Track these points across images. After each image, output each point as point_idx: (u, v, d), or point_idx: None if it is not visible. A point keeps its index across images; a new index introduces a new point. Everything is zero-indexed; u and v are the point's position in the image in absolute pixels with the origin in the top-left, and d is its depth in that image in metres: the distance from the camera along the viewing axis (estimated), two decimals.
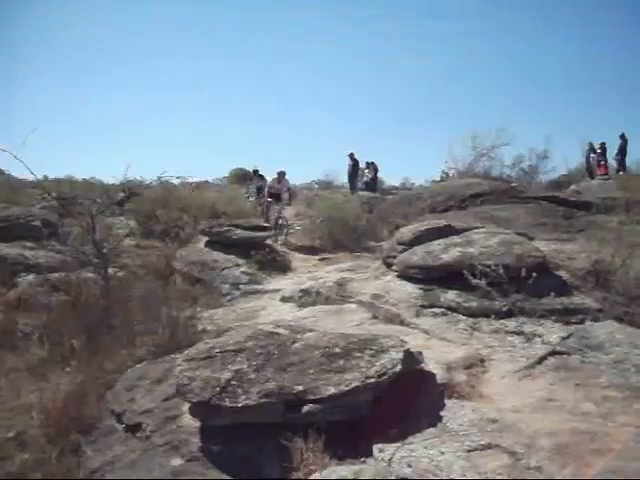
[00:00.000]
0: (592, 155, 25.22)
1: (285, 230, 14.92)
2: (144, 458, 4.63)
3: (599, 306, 6.81)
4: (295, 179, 27.30)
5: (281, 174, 16.35)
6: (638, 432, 4.16)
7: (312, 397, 4.39)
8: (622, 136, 25.57)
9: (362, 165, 26.28)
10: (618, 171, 24.86)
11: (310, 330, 5.66)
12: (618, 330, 6.05)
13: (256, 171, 21.13)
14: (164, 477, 4.34)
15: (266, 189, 16.80)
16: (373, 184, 26.29)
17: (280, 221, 15.18)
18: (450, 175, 22.76)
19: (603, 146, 25.36)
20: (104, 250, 9.17)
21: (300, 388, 4.46)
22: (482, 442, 4.06)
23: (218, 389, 4.52)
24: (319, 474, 3.74)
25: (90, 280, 8.99)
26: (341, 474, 3.64)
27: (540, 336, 6.16)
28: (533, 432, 4.17)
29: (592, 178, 23.54)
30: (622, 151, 25.71)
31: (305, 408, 4.35)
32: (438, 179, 23.66)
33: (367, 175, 26.31)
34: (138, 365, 6.22)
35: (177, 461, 4.48)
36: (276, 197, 16.17)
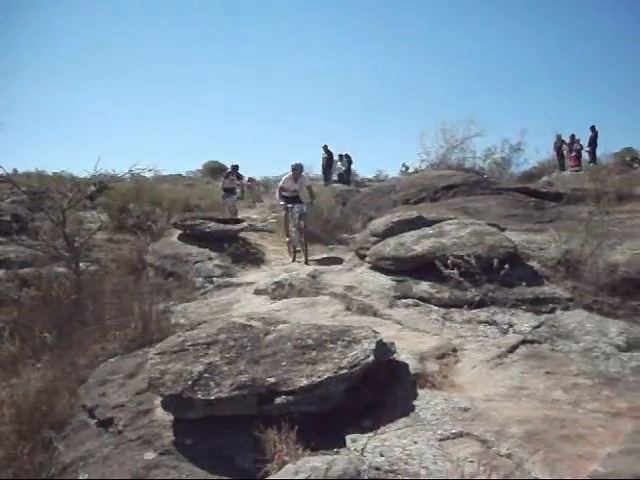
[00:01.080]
0: (564, 147, 25.56)
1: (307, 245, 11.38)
2: (116, 453, 4.59)
3: (569, 295, 6.89)
4: (270, 172, 27.20)
5: (298, 169, 11.92)
6: (606, 418, 4.24)
7: (285, 389, 4.39)
8: (592, 128, 25.93)
9: (336, 157, 26.32)
10: (589, 162, 25.19)
11: (283, 322, 5.68)
12: (587, 319, 6.15)
13: (235, 167, 17.74)
14: (137, 471, 4.31)
15: (277, 192, 12.30)
16: (347, 176, 26.36)
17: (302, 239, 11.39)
18: (409, 169, 22.99)
19: (573, 138, 25.69)
20: (75, 244, 9.11)
21: (273, 380, 4.47)
22: (454, 431, 4.11)
23: (190, 382, 4.51)
24: (292, 465, 3.74)
25: (61, 275, 8.93)
26: (314, 465, 3.64)
27: (511, 325, 6.21)
28: (504, 420, 4.23)
29: (563, 169, 23.83)
30: (593, 143, 26.08)
31: (278, 400, 4.36)
32: (411, 171, 23.76)
33: (341, 167, 26.36)
34: (110, 360, 6.16)
35: (150, 455, 4.45)
36: (293, 200, 11.95)
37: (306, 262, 10.83)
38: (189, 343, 5.09)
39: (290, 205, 11.78)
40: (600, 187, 14.02)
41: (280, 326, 5.39)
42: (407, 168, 24.87)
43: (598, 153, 26.07)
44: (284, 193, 12.02)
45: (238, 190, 17.43)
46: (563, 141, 25.71)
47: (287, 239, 12.06)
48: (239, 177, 18.18)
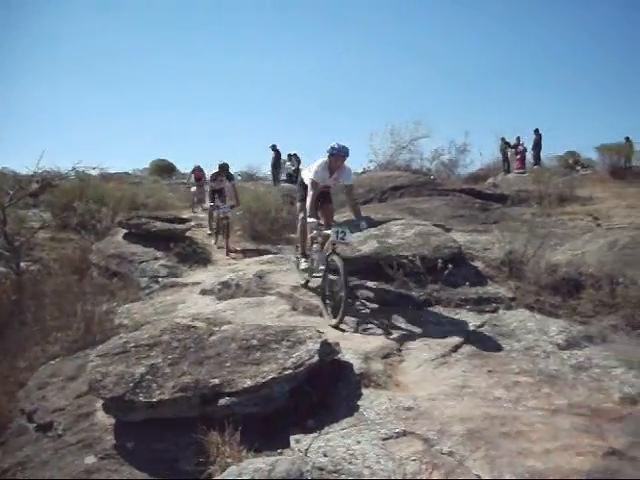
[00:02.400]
0: (509, 150, 26.11)
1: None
2: (56, 458, 4.48)
3: (512, 295, 7.03)
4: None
5: (342, 154, 7.20)
6: (546, 415, 4.32)
7: (228, 390, 4.37)
8: (536, 131, 26.59)
9: (285, 157, 26.28)
10: (534, 165, 25.79)
11: (228, 323, 5.63)
12: (529, 318, 6.28)
13: (225, 166, 13.98)
14: (77, 476, 4.23)
15: (310, 195, 7.24)
16: (295, 176, 26.33)
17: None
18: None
19: (518, 140, 26.25)
20: (16, 243, 8.88)
21: (216, 381, 4.43)
22: (397, 430, 4.13)
23: (132, 384, 4.44)
24: (235, 467, 3.71)
25: (1, 274, 8.69)
26: (257, 466, 3.62)
27: (456, 325, 6.29)
28: (447, 418, 4.28)
29: (508, 172, 24.30)
30: (537, 146, 26.74)
31: (221, 401, 4.33)
32: (361, 171, 23.93)
33: (290, 167, 26.34)
34: (51, 362, 6.02)
35: (90, 459, 4.36)
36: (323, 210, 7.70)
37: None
38: (131, 344, 5.01)
39: (316, 222, 7.15)
40: (543, 189, 14.36)
41: (225, 327, 5.35)
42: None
43: (542, 156, 26.74)
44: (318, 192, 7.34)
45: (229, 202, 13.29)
46: (507, 144, 26.24)
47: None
48: (230, 178, 13.88)
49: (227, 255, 11.98)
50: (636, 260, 7.24)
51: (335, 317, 6.47)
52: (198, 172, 18.13)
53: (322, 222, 7.34)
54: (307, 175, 7.65)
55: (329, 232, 6.80)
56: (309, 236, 7.61)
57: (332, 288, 6.82)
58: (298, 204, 7.94)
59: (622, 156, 21.61)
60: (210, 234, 13.75)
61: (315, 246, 7.53)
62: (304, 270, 7.76)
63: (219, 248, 12.59)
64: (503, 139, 26.42)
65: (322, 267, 7.08)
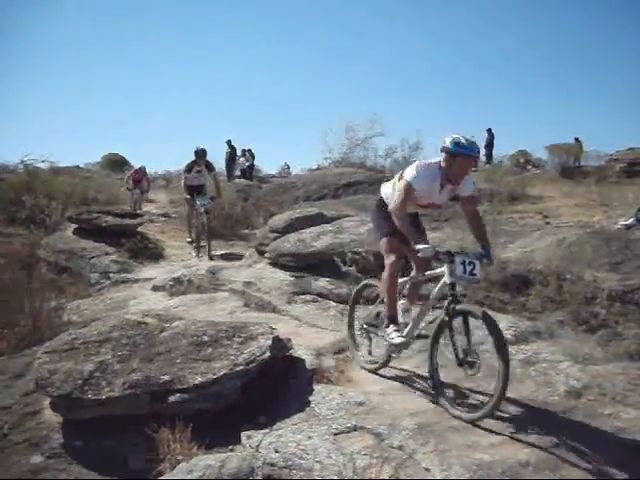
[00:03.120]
0: None
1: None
2: (1, 457, 4.37)
3: (463, 291, 7.10)
4: (171, 166, 26.65)
5: (473, 153, 4.67)
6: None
7: (179, 387, 4.34)
8: (489, 130, 27.05)
9: (239, 152, 26.16)
10: (486, 164, 26.22)
11: (179, 319, 5.58)
12: None
13: (202, 152, 11.53)
14: (23, 476, 4.14)
15: (399, 205, 4.74)
16: (250, 172, 26.25)
17: None
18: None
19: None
20: None
21: (167, 378, 4.40)
22: (348, 425, 4.15)
23: (80, 382, 4.37)
24: (185, 464, 3.69)
25: None
26: (207, 463, 3.61)
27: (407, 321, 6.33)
28: (397, 413, 4.31)
29: None
30: (489, 145, 27.19)
31: (172, 398, 4.30)
32: (315, 167, 23.99)
33: (244, 163, 26.23)
34: None
35: (37, 458, 4.28)
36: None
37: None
38: (80, 341, 4.93)
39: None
40: (495, 188, 14.58)
41: (176, 323, 5.30)
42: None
43: (494, 155, 27.18)
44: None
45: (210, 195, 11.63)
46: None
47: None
48: (209, 168, 11.81)
49: (211, 260, 10.34)
50: (582, 257, 7.37)
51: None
52: (135, 174, 16.44)
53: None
54: (394, 190, 5.02)
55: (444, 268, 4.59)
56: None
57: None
58: (382, 241, 5.10)
59: (571, 156, 22.08)
60: (191, 242, 11.80)
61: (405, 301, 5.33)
62: (397, 346, 4.97)
63: (199, 257, 10.91)
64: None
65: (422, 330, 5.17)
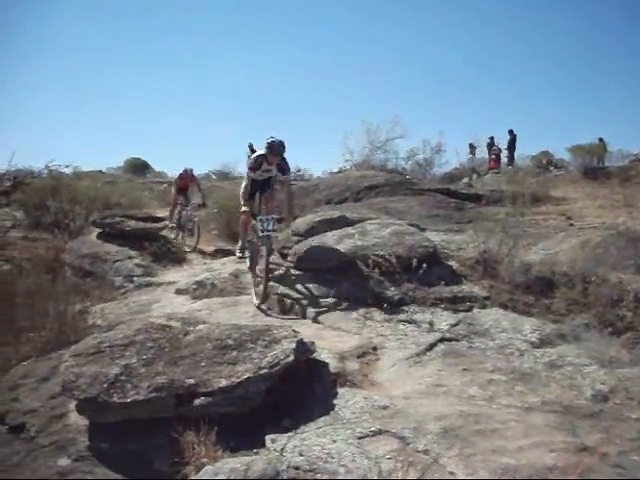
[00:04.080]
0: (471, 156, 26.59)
1: None
2: (28, 460, 4.42)
3: (486, 294, 7.07)
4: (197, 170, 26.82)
5: None
6: (519, 413, 4.37)
7: (204, 390, 4.35)
8: (511, 132, 26.89)
9: None
10: (507, 165, 26.07)
11: (203, 322, 5.60)
12: (503, 317, 6.33)
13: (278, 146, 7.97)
14: (50, 478, 4.18)
15: None
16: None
17: None
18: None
19: (492, 140, 26.51)
20: None
21: (192, 381, 4.41)
22: (372, 428, 4.14)
23: (106, 385, 4.40)
24: (211, 467, 3.70)
25: None
26: (232, 466, 3.62)
27: (430, 324, 6.33)
28: (422, 417, 4.30)
29: (473, 176, 24.52)
30: (511, 146, 27.04)
31: (197, 401, 4.31)
32: (337, 170, 24.00)
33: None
34: (23, 363, 5.93)
35: (64, 461, 4.31)
36: None
37: None
38: (105, 345, 4.97)
39: None
40: (517, 189, 14.48)
41: (200, 326, 5.32)
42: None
43: (516, 156, 27.03)
44: None
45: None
46: (474, 148, 26.63)
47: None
48: (283, 170, 8.03)
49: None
50: (607, 259, 7.34)
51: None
52: (180, 180, 14.50)
53: None
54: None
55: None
56: None
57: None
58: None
59: (595, 157, 21.88)
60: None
61: None
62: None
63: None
64: (471, 144, 26.71)
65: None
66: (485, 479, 3.50)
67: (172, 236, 13.38)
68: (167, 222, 13.72)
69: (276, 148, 7.67)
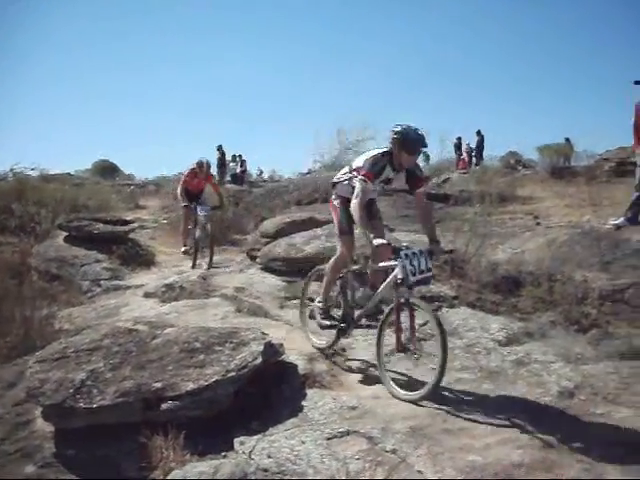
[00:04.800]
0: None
1: None
2: None
3: (454, 293, 7.14)
4: (163, 171, 26.72)
5: None
6: (486, 411, 4.41)
7: (171, 394, 4.33)
8: (479, 132, 27.23)
9: (229, 158, 26.22)
10: (476, 165, 26.37)
11: (171, 325, 5.57)
12: (471, 316, 6.39)
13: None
14: None
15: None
16: (241, 177, 26.30)
17: None
18: None
19: (459, 141, 26.80)
20: None
21: (159, 385, 4.39)
22: (341, 429, 4.14)
23: (72, 390, 4.36)
24: (179, 471, 3.69)
25: None
26: (201, 469, 3.62)
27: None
28: (390, 416, 4.32)
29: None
30: (479, 146, 27.36)
31: (164, 405, 4.29)
32: (306, 172, 24.04)
33: (234, 168, 26.28)
34: None
35: (30, 468, 4.25)
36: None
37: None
38: (71, 350, 4.91)
39: None
40: (485, 189, 14.63)
41: (167, 330, 5.29)
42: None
43: (484, 156, 27.35)
44: None
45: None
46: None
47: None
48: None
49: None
50: (573, 257, 7.45)
51: None
52: (192, 177, 10.84)
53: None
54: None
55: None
56: None
57: None
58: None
59: (562, 156, 22.15)
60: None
61: None
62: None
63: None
64: (425, 153, 26.94)
65: None
66: (452, 479, 3.52)
67: (190, 266, 10.45)
68: (135, 225, 13.51)
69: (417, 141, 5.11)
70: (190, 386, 4.36)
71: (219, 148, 25.48)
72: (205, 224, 10.03)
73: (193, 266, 10.19)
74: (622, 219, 8.47)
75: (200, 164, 10.60)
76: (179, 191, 10.80)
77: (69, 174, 31.53)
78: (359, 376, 5.28)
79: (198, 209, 10.30)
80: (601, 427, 4.15)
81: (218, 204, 11.00)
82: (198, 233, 10.30)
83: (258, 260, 8.41)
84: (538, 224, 11.29)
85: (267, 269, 8.08)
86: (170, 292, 8.33)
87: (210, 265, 9.70)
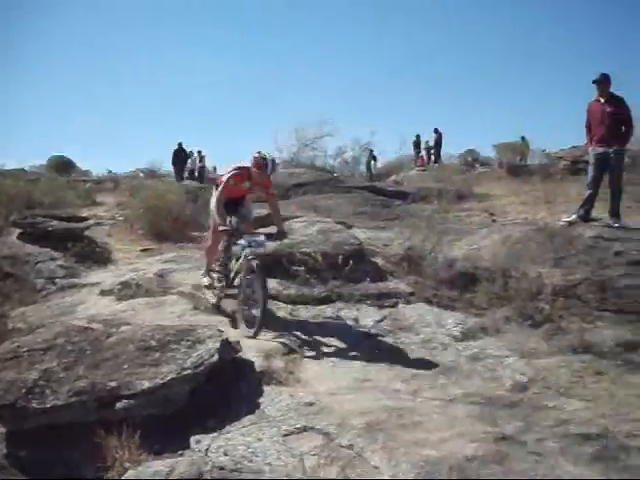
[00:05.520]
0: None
1: None
2: None
3: (411, 290, 7.20)
4: (119, 168, 26.39)
5: None
6: (442, 405, 4.47)
7: (126, 392, 4.29)
8: (436, 130, 27.51)
9: (189, 154, 26.02)
10: (434, 163, 26.64)
11: (127, 324, 5.52)
12: (427, 312, 6.46)
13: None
14: None
15: None
16: (200, 173, 26.11)
17: None
18: None
19: (418, 139, 27.05)
20: None
21: (114, 384, 4.34)
22: (298, 425, 4.16)
23: (24, 390, 4.28)
24: (133, 471, 3.66)
25: None
26: (155, 469, 3.60)
27: (356, 320, 6.39)
28: (347, 412, 4.35)
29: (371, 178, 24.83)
30: (437, 144, 27.65)
31: (119, 404, 4.25)
32: None
33: (193, 163, 26.09)
34: None
35: None
36: None
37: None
38: (24, 349, 4.83)
39: None
40: (443, 186, 14.80)
41: (123, 328, 5.24)
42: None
43: (442, 154, 27.65)
44: None
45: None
46: (374, 157, 27.07)
47: None
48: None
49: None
50: (527, 254, 7.55)
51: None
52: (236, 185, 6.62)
53: None
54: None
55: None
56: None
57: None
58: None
59: (518, 154, 22.53)
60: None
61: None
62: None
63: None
64: (371, 150, 27.03)
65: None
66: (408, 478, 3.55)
67: (211, 300, 6.96)
68: (91, 222, 13.31)
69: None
70: (145, 385, 4.32)
71: (180, 145, 25.23)
72: (251, 260, 6.08)
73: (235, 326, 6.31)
74: (574, 216, 8.63)
75: (263, 161, 6.36)
76: (216, 205, 6.45)
77: (23, 170, 30.98)
78: (316, 372, 5.29)
79: (243, 239, 6.21)
80: (553, 419, 4.24)
81: (275, 230, 6.71)
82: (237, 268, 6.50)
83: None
84: (494, 221, 11.44)
85: None
86: (126, 290, 8.21)
87: (259, 330, 5.89)
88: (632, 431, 4.04)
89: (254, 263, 5.99)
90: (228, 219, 6.48)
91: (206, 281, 7.03)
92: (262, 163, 6.36)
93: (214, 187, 6.81)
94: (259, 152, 6.48)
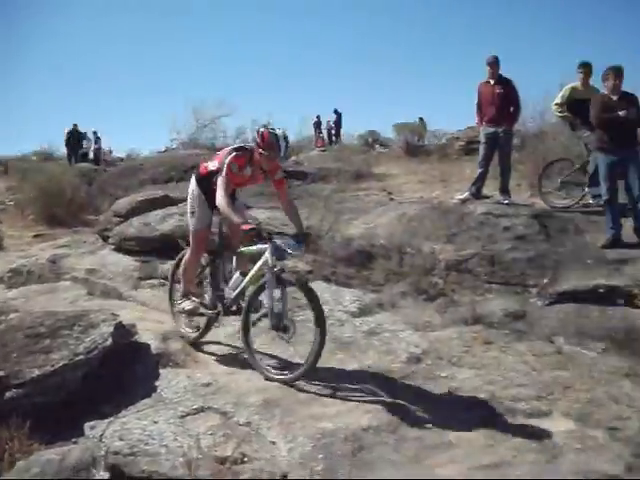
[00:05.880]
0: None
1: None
2: None
3: (309, 268, 7.26)
4: (7, 150, 25.25)
5: None
6: (338, 380, 4.54)
7: (16, 382, 4.16)
8: (336, 111, 27.73)
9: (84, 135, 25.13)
10: (335, 143, 26.88)
11: (16, 311, 5.34)
12: (325, 289, 6.52)
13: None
14: None
15: None
16: (96, 155, 25.30)
17: None
18: None
19: (319, 119, 27.21)
20: None
21: (2, 373, 4.20)
22: (195, 406, 4.17)
23: None
24: (24, 462, 3.56)
25: None
26: (47, 458, 3.53)
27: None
28: (244, 391, 4.40)
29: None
30: (337, 125, 27.91)
31: (8, 394, 4.11)
32: (163, 150, 23.49)
33: (88, 145, 25.24)
34: None
35: None
36: None
37: None
38: None
39: None
40: (342, 166, 14.93)
41: (11, 315, 5.06)
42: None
43: (343, 134, 27.95)
44: None
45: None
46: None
47: None
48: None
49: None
50: (422, 231, 7.74)
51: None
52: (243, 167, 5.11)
53: None
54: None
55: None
56: None
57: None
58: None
59: (416, 135, 22.99)
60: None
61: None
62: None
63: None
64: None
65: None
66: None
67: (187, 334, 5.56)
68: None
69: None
70: (35, 372, 4.20)
71: (74, 126, 24.25)
72: (283, 274, 4.86)
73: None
74: (467, 193, 8.94)
75: (274, 139, 4.80)
76: (225, 200, 4.82)
77: None
78: (214, 353, 5.28)
79: (271, 242, 4.83)
80: (445, 388, 4.43)
81: (299, 229, 5.29)
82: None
83: (110, 240, 8.17)
84: (391, 200, 11.63)
85: (120, 249, 7.87)
86: (17, 277, 7.93)
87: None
88: (517, 395, 4.27)
89: (291, 277, 4.81)
90: (237, 218, 4.76)
91: (188, 305, 5.30)
92: (272, 141, 4.77)
93: (192, 176, 5.50)
94: (265, 126, 5.05)
